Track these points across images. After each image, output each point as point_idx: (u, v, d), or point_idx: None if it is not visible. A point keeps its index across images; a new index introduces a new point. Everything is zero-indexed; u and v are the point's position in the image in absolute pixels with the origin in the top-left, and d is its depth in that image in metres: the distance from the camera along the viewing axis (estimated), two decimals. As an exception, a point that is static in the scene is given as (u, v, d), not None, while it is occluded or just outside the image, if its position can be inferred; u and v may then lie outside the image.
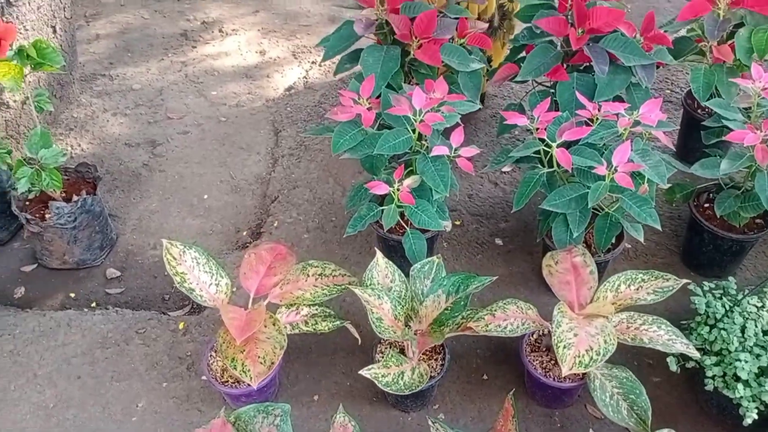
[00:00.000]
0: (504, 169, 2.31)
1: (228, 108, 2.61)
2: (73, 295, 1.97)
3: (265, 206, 2.21)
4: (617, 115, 1.61)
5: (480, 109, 2.15)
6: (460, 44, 1.96)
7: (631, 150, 1.59)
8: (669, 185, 1.95)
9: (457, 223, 2.12)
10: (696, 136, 2.02)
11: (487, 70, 2.33)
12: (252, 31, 3.04)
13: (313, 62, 2.81)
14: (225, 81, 2.74)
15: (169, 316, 1.89)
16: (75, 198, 1.94)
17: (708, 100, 1.94)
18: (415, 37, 1.87)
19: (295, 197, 2.21)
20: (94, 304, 1.94)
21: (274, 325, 1.39)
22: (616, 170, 1.52)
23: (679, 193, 1.89)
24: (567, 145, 1.62)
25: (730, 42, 2.00)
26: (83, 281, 2.01)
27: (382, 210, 1.67)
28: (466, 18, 1.97)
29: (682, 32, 2.12)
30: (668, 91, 2.61)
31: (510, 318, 1.48)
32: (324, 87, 2.68)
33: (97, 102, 2.62)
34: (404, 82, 1.99)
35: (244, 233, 2.13)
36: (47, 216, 1.92)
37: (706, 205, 1.90)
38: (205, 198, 2.25)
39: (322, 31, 2.99)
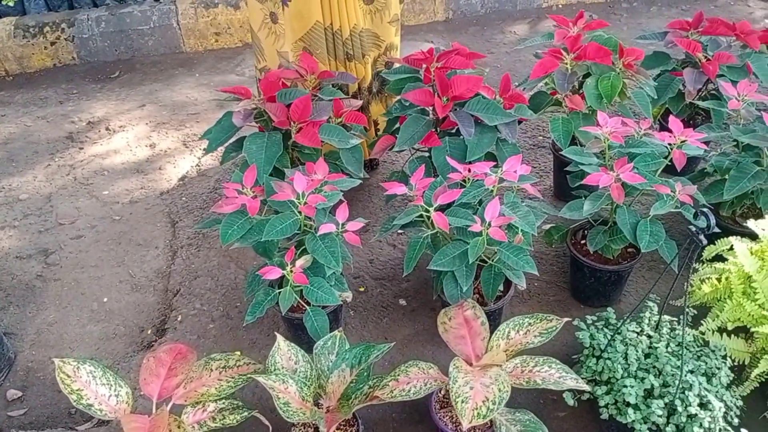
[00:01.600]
0: (399, 231, 2.41)
1: (122, 206, 2.59)
2: (-30, 425, 1.87)
3: (167, 301, 2.19)
4: (485, 174, 1.74)
5: (367, 177, 2.25)
6: (338, 123, 2.07)
7: (502, 204, 1.72)
8: (547, 228, 2.11)
9: (362, 289, 2.19)
10: (567, 176, 2.20)
11: (376, 133, 2.44)
12: (140, 125, 3.05)
13: (204, 149, 2.85)
14: (116, 179, 2.73)
15: (76, 431, 1.83)
16: (-38, 324, 1.87)
17: (569, 146, 2.13)
18: (294, 122, 1.96)
19: (198, 287, 2.21)
20: (-6, 432, 1.85)
21: (179, 428, 1.38)
22: (489, 225, 1.64)
23: (556, 234, 2.03)
24: (444, 207, 1.74)
25: (581, 91, 2.21)
26: (-19, 409, 1.91)
27: (279, 293, 1.71)
28: (339, 99, 2.09)
29: (540, 87, 2.32)
30: (540, 138, 2.82)
31: (413, 380, 1.54)
32: (218, 172, 2.72)
33: (-18, 217, 2.55)
34: (291, 164, 2.07)
35: (149, 331, 2.11)
36: (-67, 347, 1.83)
37: (582, 241, 2.06)
38: (105, 301, 2.21)
39: (211, 118, 3.04)
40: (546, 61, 2.16)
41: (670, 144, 1.83)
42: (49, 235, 2.47)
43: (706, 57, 2.29)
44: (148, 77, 3.43)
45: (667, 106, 2.39)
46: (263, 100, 2.01)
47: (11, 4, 3.50)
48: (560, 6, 3.93)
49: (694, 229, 1.44)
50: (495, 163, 1.83)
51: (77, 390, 1.42)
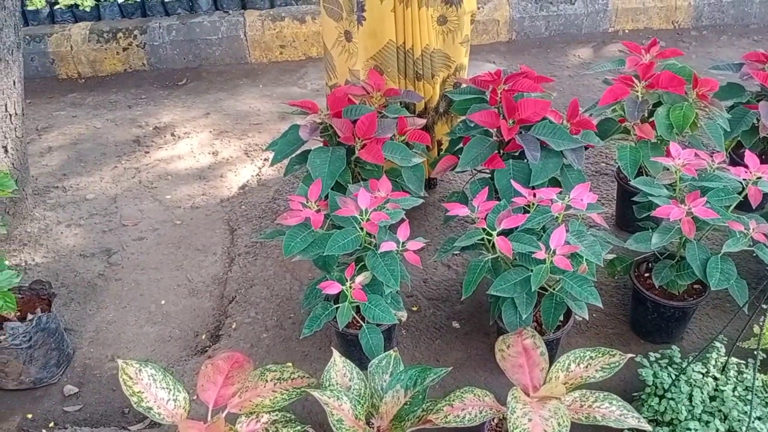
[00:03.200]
0: (456, 252, 2.38)
1: (183, 210, 2.65)
2: (30, 416, 1.93)
3: (222, 307, 2.23)
4: (551, 200, 1.71)
5: (427, 196, 2.24)
6: (401, 141, 2.07)
7: (567, 232, 1.68)
8: (610, 259, 2.05)
9: (415, 309, 2.17)
10: (632, 206, 2.14)
11: (438, 153, 2.43)
12: (204, 133, 3.13)
13: (265, 159, 2.90)
14: (179, 184, 2.80)
15: (129, 431, 1.86)
16: (30, 317, 1.93)
17: (636, 176, 2.08)
18: (358, 138, 1.97)
19: (253, 296, 2.24)
20: (52, 425, 1.90)
21: (234, 436, 1.39)
22: (554, 253, 1.61)
23: (620, 265, 1.98)
24: (507, 231, 1.71)
25: (651, 120, 2.15)
26: (40, 400, 1.97)
27: (337, 308, 1.71)
28: (404, 117, 2.10)
29: (608, 113, 2.28)
30: (603, 164, 2.76)
31: (468, 407, 1.51)
32: (277, 183, 2.75)
33: (51, 215, 2.64)
34: (352, 179, 2.08)
35: (203, 337, 2.14)
36: (1, 338, 1.90)
37: (647, 274, 1.99)
38: (163, 303, 2.26)
39: (273, 129, 3.10)
40: (616, 88, 2.12)
41: (745, 180, 1.76)
42: (112, 236, 2.54)
43: (784, 91, 2.21)
44: (213, 86, 3.52)
45: (739, 139, 2.31)
46: (330, 115, 2.03)
47: (88, 9, 3.65)
48: (627, 31, 3.86)
49: (774, 271, 1.37)
50: (560, 189, 1.80)
51: (138, 392, 1.45)
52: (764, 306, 1.52)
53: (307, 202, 1.70)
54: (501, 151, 2.09)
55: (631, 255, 2.01)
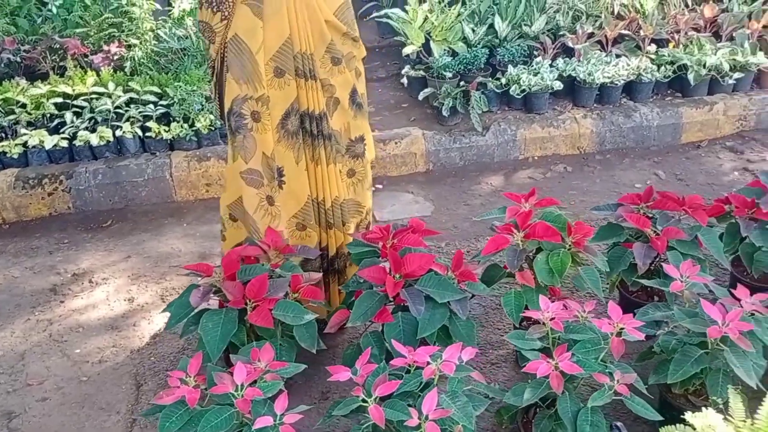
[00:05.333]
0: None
1: (90, 365, 2.64)
2: None
3: (121, 474, 2.18)
4: (426, 362, 1.78)
5: (325, 349, 2.29)
6: (294, 298, 2.15)
7: (442, 393, 1.75)
8: (497, 408, 2.11)
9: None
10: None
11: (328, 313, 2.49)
12: (122, 278, 3.16)
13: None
14: (90, 336, 2.80)
15: None
16: None
17: (521, 321, 2.18)
18: (249, 300, 2.04)
19: (154, 459, 2.21)
20: None
21: None
22: (426, 419, 1.66)
23: (506, 414, 2.04)
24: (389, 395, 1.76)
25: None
26: None
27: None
28: (298, 274, 2.19)
29: (495, 259, 2.41)
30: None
31: None
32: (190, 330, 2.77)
33: (-46, 376, 2.60)
34: (249, 339, 2.13)
35: (99, 508, 2.08)
36: None
37: (534, 420, 2.05)
38: (61, 472, 2.20)
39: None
40: (498, 238, 2.26)
41: (608, 332, 1.87)
42: (16, 397, 2.50)
43: (655, 231, 2.38)
44: (138, 227, 3.59)
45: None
46: (223, 277, 2.11)
47: (15, 156, 3.74)
48: (536, 158, 4.12)
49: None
50: (438, 348, 1.87)
51: None
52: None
53: (186, 377, 1.74)
54: (392, 304, 2.18)
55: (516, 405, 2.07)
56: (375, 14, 4.76)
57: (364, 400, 1.71)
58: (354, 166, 2.47)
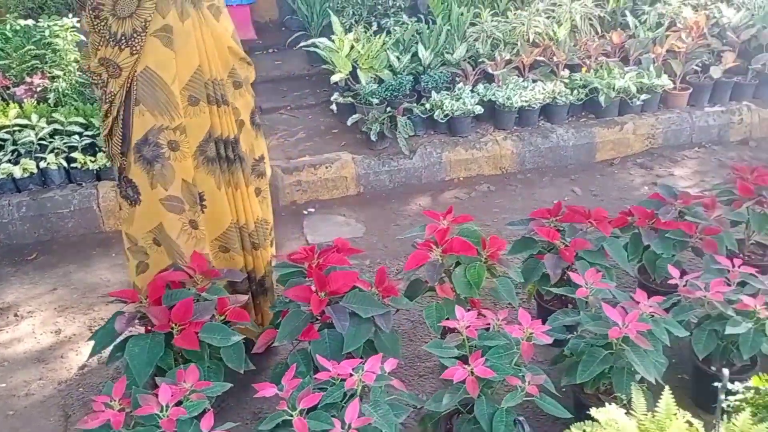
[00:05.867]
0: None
1: (17, 399, 2.59)
2: None
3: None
4: (349, 374, 1.86)
5: (253, 369, 2.33)
6: (221, 320, 2.19)
7: (366, 403, 1.82)
8: (421, 416, 2.20)
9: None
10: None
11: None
12: (48, 310, 3.11)
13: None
14: (16, 370, 2.74)
15: None
16: None
17: (443, 332, 2.29)
18: (175, 324, 2.08)
19: (81, 490, 2.18)
20: None
21: None
22: (350, 427, 1.73)
23: (429, 422, 2.13)
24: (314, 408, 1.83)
25: (455, 278, 2.40)
26: None
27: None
28: (225, 297, 2.23)
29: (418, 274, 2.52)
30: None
31: None
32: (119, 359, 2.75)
33: None
34: (177, 362, 2.16)
35: None
36: None
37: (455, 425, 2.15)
38: None
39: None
40: (417, 254, 2.38)
41: (518, 337, 2.00)
42: (-65, 437, 2.43)
43: (564, 243, 2.55)
44: (65, 258, 3.54)
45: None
46: (148, 303, 2.13)
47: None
48: (461, 178, 4.29)
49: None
50: (361, 361, 1.95)
51: None
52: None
53: (111, 401, 1.76)
54: (319, 321, 2.25)
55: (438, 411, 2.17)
56: (302, 43, 4.88)
57: (288, 414, 1.77)
58: (259, 185, 2.56)
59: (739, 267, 2.32)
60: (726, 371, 1.51)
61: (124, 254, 2.52)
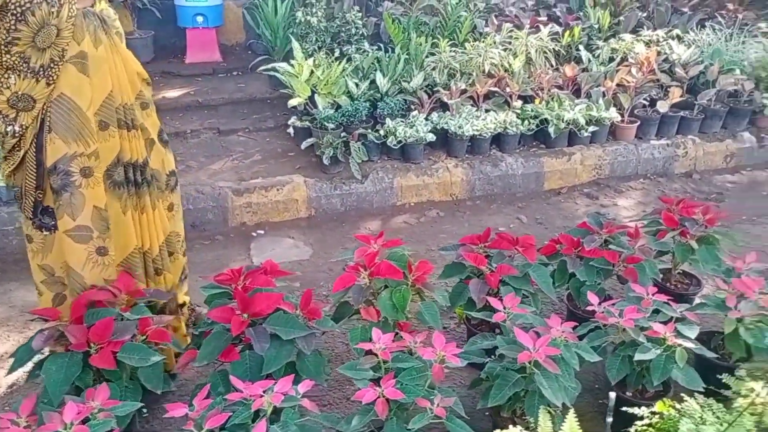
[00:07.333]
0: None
1: (-60, 418, 2.56)
2: None
3: None
4: (260, 395, 1.89)
5: (173, 390, 2.35)
6: (142, 341, 2.21)
7: (273, 424, 1.85)
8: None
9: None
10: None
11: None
12: (-16, 329, 3.10)
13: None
14: (-56, 387, 2.72)
15: None
16: None
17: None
18: (94, 343, 2.09)
19: None
20: None
21: None
22: (254, 448, 1.76)
23: (345, 443, 2.16)
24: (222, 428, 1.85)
25: (384, 301, 2.45)
26: None
27: None
28: (148, 317, 2.25)
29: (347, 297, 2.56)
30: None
31: None
32: (50, 378, 2.75)
33: None
34: (95, 381, 2.17)
35: None
36: None
37: (375, 448, 2.18)
38: None
39: (59, 319, 3.12)
40: (345, 277, 2.43)
41: (431, 359, 2.05)
42: None
43: (490, 269, 2.61)
44: (5, 276, 3.53)
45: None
46: (68, 322, 2.15)
47: None
48: (412, 204, 4.37)
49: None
50: (274, 382, 1.98)
51: None
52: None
53: (18, 418, 1.77)
54: (242, 343, 2.28)
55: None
56: (263, 67, 4.95)
57: (195, 434, 1.79)
58: (173, 200, 2.58)
59: (653, 295, 2.40)
60: (613, 394, 1.57)
61: (36, 290, 2.45)
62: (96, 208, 2.27)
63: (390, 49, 5.20)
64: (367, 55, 5.02)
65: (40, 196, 2.25)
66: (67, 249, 2.28)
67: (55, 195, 2.23)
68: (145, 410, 2.43)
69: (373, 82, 4.82)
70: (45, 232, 2.30)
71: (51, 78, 2.13)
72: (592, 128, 4.69)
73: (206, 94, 5.31)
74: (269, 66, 4.90)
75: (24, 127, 2.16)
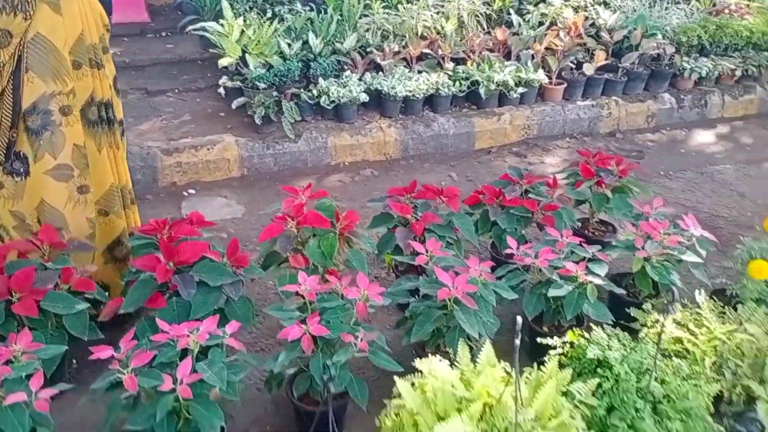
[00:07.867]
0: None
1: None
2: None
3: None
4: (185, 335, 1.93)
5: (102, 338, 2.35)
6: (66, 290, 2.20)
7: (201, 362, 1.90)
8: (268, 376, 2.29)
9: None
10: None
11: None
12: None
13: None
14: None
15: None
16: None
17: (293, 300, 2.38)
18: (15, 292, 2.07)
19: None
20: None
21: None
22: (182, 382, 1.80)
23: (274, 381, 2.22)
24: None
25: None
26: None
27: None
28: (70, 267, 2.24)
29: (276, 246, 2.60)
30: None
31: None
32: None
33: None
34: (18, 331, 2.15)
35: None
36: None
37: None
38: None
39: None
40: (272, 227, 2.46)
41: (354, 298, 2.12)
42: None
43: (415, 218, 2.70)
44: None
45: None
46: None
47: None
48: (347, 163, 4.41)
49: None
50: (200, 324, 2.01)
51: None
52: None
53: (-66, 363, 1.75)
54: (169, 291, 2.29)
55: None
56: (192, 27, 4.85)
57: (121, 372, 1.82)
58: (124, 146, 2.66)
59: (567, 238, 2.54)
60: (519, 319, 1.68)
61: (7, 236, 2.42)
62: (76, 146, 2.31)
63: (323, 10, 5.17)
64: (300, 16, 4.99)
65: (14, 136, 2.24)
66: (47, 189, 2.31)
67: (34, 136, 2.24)
68: (74, 360, 2.43)
69: (306, 42, 4.80)
70: (16, 179, 2.30)
71: (27, 13, 2.13)
72: (521, 90, 4.82)
73: (133, 55, 5.17)
74: (198, 26, 4.81)
75: (2, 63, 2.15)
